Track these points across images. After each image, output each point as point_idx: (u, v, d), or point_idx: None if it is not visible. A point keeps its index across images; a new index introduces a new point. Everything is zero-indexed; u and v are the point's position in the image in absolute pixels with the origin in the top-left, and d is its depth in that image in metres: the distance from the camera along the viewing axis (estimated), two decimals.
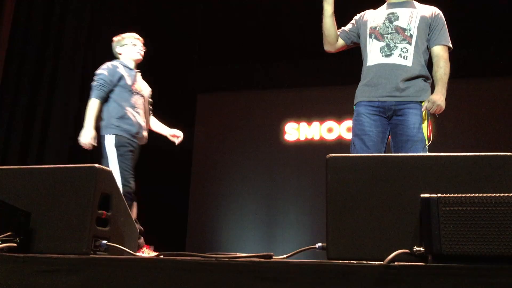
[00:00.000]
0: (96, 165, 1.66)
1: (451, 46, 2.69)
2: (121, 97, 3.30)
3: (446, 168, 1.50)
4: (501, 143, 5.16)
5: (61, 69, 4.91)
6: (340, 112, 5.79)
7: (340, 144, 5.84)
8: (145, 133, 3.44)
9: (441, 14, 2.72)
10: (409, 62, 2.58)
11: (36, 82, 4.83)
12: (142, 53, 3.51)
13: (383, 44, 2.64)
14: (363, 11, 2.89)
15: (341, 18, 2.95)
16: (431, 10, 2.71)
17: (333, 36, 2.81)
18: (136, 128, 3.32)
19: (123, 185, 3.13)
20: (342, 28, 2.90)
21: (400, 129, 2.55)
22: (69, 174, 1.66)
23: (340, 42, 2.87)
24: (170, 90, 6.03)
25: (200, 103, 6.40)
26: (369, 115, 2.61)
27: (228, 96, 6.27)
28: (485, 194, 1.35)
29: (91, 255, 1.56)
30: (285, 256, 1.63)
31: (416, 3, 2.77)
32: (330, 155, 1.57)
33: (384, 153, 2.60)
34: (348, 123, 5.67)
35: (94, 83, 3.30)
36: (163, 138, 3.67)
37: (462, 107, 5.46)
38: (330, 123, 6.04)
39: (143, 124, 3.40)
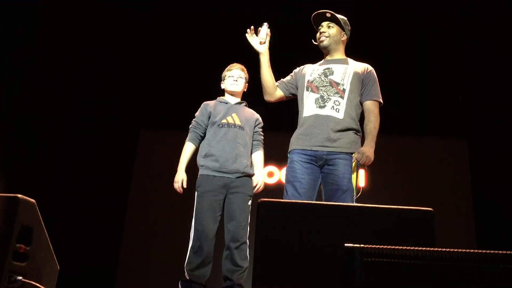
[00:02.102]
0: (19, 195, 1.59)
1: (382, 101, 2.83)
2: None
3: (371, 219, 1.56)
4: (427, 198, 5.39)
5: None
6: (280, 157, 5.87)
7: (279, 189, 5.89)
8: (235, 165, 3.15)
9: (373, 70, 2.88)
10: (340, 115, 2.70)
11: None
12: (241, 82, 3.32)
13: (317, 96, 2.76)
14: (303, 65, 3.04)
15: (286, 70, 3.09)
16: (364, 67, 2.88)
17: (271, 86, 2.93)
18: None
19: None
20: (282, 79, 3.03)
21: (331, 178, 2.63)
22: None
23: (279, 92, 2.99)
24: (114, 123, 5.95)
25: (142, 138, 6.28)
26: (301, 163, 2.69)
27: (171, 134, 6.19)
28: (407, 247, 1.39)
29: None
30: None
31: (350, 60, 2.93)
32: (262, 199, 1.59)
33: (315, 200, 2.65)
34: None
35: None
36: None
37: (393, 162, 5.70)
38: (270, 168, 6.12)
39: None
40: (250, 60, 3.27)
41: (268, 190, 5.81)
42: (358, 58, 2.99)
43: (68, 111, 5.77)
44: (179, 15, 5.84)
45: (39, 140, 5.31)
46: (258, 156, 3.30)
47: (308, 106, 2.77)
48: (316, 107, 2.73)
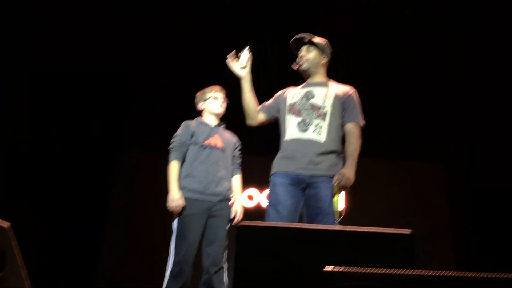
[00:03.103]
0: None
1: (363, 123, 2.84)
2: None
3: (351, 242, 1.55)
4: (406, 220, 5.42)
5: None
6: (260, 180, 5.87)
7: (259, 212, 5.87)
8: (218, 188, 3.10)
9: (354, 93, 2.90)
10: (322, 138, 2.69)
11: None
12: (225, 105, 3.32)
13: (299, 119, 2.76)
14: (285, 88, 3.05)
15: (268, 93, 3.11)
16: (345, 89, 2.89)
17: (253, 110, 2.94)
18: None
19: None
20: (264, 103, 3.03)
21: (313, 201, 2.62)
22: None
23: (261, 116, 2.99)
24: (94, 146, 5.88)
25: (121, 161, 6.22)
26: (284, 186, 2.67)
27: (150, 156, 6.14)
28: (387, 270, 1.39)
29: None
30: None
31: (331, 82, 2.95)
32: (242, 223, 1.58)
33: (297, 223, 2.63)
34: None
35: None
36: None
37: (374, 185, 5.74)
38: (251, 191, 6.10)
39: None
40: (224, 85, 3.33)
41: (248, 213, 5.80)
42: (340, 81, 3.01)
43: (47, 132, 5.70)
44: (151, 40, 5.86)
45: (19, 158, 5.23)
46: (237, 181, 3.25)
47: (290, 130, 2.77)
48: (298, 130, 2.73)
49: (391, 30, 5.57)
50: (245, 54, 2.88)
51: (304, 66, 2.91)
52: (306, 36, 2.92)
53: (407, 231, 1.59)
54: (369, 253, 1.55)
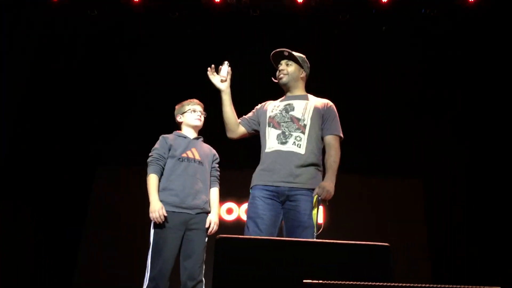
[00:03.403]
0: None
1: (342, 136, 2.87)
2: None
3: (330, 255, 1.56)
4: (385, 234, 5.48)
5: None
6: (239, 194, 5.86)
7: (238, 226, 5.85)
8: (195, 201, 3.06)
9: (333, 106, 2.93)
10: (302, 150, 2.71)
11: None
12: (203, 118, 3.31)
13: (279, 132, 2.78)
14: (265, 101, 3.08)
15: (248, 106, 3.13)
16: (324, 102, 2.93)
17: (233, 123, 2.95)
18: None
19: None
20: (244, 116, 3.05)
21: (292, 214, 2.62)
22: None
23: (241, 129, 3.00)
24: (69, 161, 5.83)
25: (98, 176, 6.16)
26: (263, 199, 2.67)
27: (127, 171, 6.08)
28: (364, 283, 1.40)
29: None
30: None
31: (310, 96, 2.98)
32: (220, 235, 1.57)
33: (277, 237, 2.63)
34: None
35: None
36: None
37: (352, 199, 5.80)
38: (229, 204, 6.09)
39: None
40: (202, 99, 3.35)
41: (227, 227, 5.80)
42: (318, 95, 3.05)
43: (26, 146, 5.65)
44: (132, 53, 5.88)
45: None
46: (214, 194, 3.23)
47: (270, 142, 2.79)
48: (278, 143, 2.75)
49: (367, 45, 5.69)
50: (225, 67, 2.90)
51: (284, 79, 2.95)
52: (285, 50, 2.96)
53: (383, 244, 1.61)
54: (347, 266, 1.56)
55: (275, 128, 2.80)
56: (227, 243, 1.55)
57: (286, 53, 2.96)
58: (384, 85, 5.87)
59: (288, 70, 2.95)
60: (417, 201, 5.97)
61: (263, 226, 2.60)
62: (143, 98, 5.89)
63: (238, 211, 6.08)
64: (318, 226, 2.58)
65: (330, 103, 2.94)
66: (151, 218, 2.95)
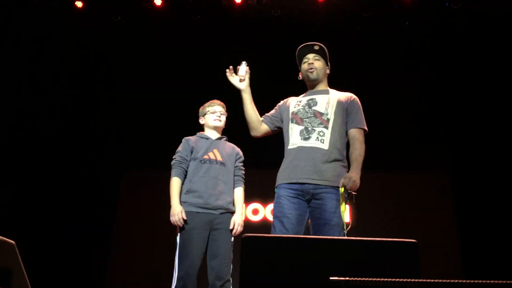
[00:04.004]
0: None
1: (366, 129, 2.82)
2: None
3: (356, 252, 1.55)
4: (413, 231, 5.42)
5: None
6: (265, 194, 5.86)
7: (265, 226, 5.86)
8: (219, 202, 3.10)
9: (356, 99, 2.88)
10: (325, 146, 2.68)
11: None
12: (223, 118, 3.35)
13: (302, 127, 2.75)
14: (287, 97, 3.05)
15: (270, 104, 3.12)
16: (347, 95, 2.88)
17: (256, 121, 2.94)
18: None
19: None
20: (266, 114, 3.03)
21: (318, 212, 2.59)
22: None
23: (264, 127, 2.98)
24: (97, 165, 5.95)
25: (126, 179, 6.26)
26: (288, 198, 2.64)
27: (154, 173, 6.17)
28: (392, 279, 1.39)
29: None
30: None
31: (333, 90, 2.94)
32: (246, 234, 1.58)
33: (304, 235, 2.62)
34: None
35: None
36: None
37: (379, 196, 5.75)
38: (255, 205, 6.10)
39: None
40: (226, 100, 3.37)
41: (253, 227, 5.82)
42: (341, 89, 3.00)
43: (55, 151, 5.80)
44: (156, 57, 5.94)
45: (24, 178, 5.32)
46: (239, 193, 3.24)
47: (293, 138, 2.76)
48: (301, 139, 2.72)
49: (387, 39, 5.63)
50: (243, 67, 2.90)
51: (314, 75, 2.89)
52: (316, 44, 2.90)
53: (411, 241, 1.59)
54: (374, 263, 1.55)
55: (298, 124, 2.77)
56: (253, 242, 1.56)
57: (317, 47, 2.90)
58: (407, 81, 5.80)
59: (316, 65, 2.90)
60: (445, 195, 5.88)
61: (289, 225, 2.58)
62: (168, 100, 5.94)
63: (264, 212, 6.09)
64: (346, 224, 2.55)
65: (354, 96, 2.89)
66: (172, 222, 3.01)
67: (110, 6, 5.51)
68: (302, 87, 3.06)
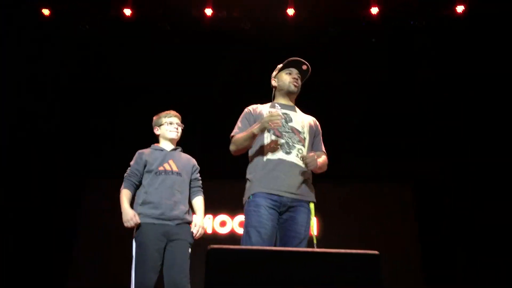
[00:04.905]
0: None
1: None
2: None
3: (319, 263, 1.57)
4: (376, 242, 5.52)
5: None
6: (233, 206, 5.84)
7: (233, 238, 5.84)
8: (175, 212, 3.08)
9: (318, 123, 2.97)
10: (302, 163, 2.68)
11: None
12: (180, 130, 3.33)
13: (283, 141, 2.73)
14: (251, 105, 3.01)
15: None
16: (313, 119, 2.95)
17: (246, 149, 2.88)
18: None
19: None
20: (240, 128, 2.90)
21: (289, 225, 2.60)
22: None
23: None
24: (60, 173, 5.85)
25: (87, 187, 6.17)
26: (267, 208, 2.61)
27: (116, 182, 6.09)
28: None
29: None
30: None
31: (298, 109, 2.96)
32: (211, 246, 1.57)
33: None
34: (241, 217, 5.72)
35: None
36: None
37: (342, 208, 5.84)
38: (223, 217, 6.07)
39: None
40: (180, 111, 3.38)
41: (221, 240, 5.78)
42: (304, 108, 3.03)
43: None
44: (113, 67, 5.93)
45: None
46: (199, 201, 3.25)
47: (273, 149, 2.73)
48: (283, 152, 2.71)
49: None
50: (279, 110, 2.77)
51: (295, 90, 2.92)
52: (306, 65, 2.93)
53: (374, 252, 1.62)
54: (337, 274, 1.57)
55: (277, 136, 2.75)
56: (218, 254, 1.56)
57: (305, 68, 2.93)
58: (373, 92, 5.94)
59: (299, 82, 2.93)
60: (407, 206, 6.01)
61: (265, 236, 2.53)
62: (129, 108, 5.92)
63: (232, 224, 6.05)
64: (315, 237, 2.58)
65: (317, 121, 2.98)
66: (127, 227, 3.00)
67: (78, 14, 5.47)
68: (263, 97, 3.04)
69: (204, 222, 3.16)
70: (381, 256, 1.62)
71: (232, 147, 2.85)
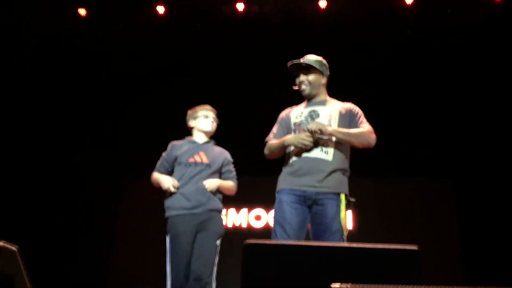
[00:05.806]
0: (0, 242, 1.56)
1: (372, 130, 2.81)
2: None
3: (358, 259, 1.55)
4: (416, 238, 5.40)
5: None
6: (269, 201, 5.83)
7: (267, 232, 5.84)
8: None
9: (356, 107, 2.89)
10: (329, 157, 2.68)
11: None
12: (215, 125, 3.40)
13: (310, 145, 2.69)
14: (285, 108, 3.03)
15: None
16: (346, 105, 2.88)
17: (279, 156, 2.91)
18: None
19: None
20: (273, 133, 2.95)
21: (319, 218, 2.60)
22: None
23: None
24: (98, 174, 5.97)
25: (126, 187, 6.27)
26: (290, 203, 2.65)
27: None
28: (393, 285, 1.39)
29: None
30: None
31: (333, 100, 2.93)
32: (247, 241, 1.58)
33: (304, 240, 2.62)
34: None
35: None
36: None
37: (381, 204, 5.74)
38: (258, 211, 6.09)
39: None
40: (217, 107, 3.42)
41: (256, 234, 5.80)
42: (342, 98, 2.99)
43: (55, 160, 5.82)
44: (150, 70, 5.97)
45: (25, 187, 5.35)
46: (230, 183, 3.30)
47: (297, 149, 2.73)
48: (305, 150, 2.70)
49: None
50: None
51: (306, 91, 2.87)
52: (302, 60, 2.86)
53: (412, 247, 1.59)
54: (375, 270, 1.55)
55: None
56: (254, 249, 1.56)
57: (304, 64, 2.86)
58: (410, 87, 5.81)
59: (308, 80, 2.86)
60: (447, 202, 5.87)
61: (290, 231, 2.58)
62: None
63: (267, 218, 6.07)
64: (347, 230, 2.56)
65: (353, 105, 2.90)
66: (168, 190, 3.13)
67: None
68: (300, 96, 3.01)
69: (215, 185, 3.17)
70: (421, 251, 1.59)
71: (266, 151, 2.94)
